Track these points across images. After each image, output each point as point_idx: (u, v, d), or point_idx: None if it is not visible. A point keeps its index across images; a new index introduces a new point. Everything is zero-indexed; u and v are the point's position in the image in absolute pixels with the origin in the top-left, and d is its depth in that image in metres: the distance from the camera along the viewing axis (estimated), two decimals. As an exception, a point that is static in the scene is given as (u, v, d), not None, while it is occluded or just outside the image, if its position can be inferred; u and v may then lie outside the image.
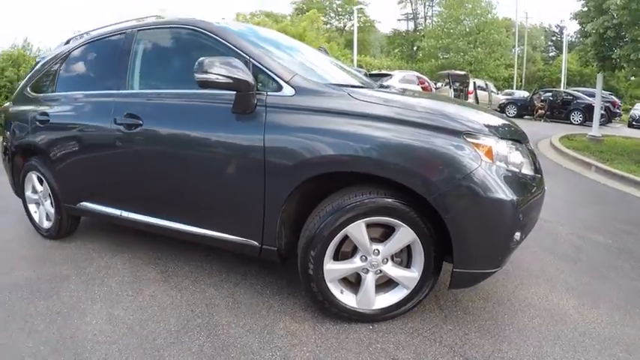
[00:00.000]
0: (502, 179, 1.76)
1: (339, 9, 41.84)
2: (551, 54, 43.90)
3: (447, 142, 1.74)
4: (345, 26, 42.84)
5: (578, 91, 18.19)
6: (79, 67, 3.13)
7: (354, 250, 1.96)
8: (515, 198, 1.76)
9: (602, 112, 13.42)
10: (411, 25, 42.34)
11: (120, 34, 2.81)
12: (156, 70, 2.71)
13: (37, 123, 3.05)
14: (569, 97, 16.77)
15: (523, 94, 23.02)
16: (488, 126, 1.88)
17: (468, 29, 29.41)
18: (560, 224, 3.64)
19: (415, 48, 40.07)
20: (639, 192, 5.11)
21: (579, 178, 6.05)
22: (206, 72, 1.90)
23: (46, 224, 3.24)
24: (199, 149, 2.21)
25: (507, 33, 32.02)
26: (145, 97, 2.51)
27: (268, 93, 2.04)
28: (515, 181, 1.81)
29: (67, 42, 3.35)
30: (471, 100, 15.12)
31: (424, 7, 40.54)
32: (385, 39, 44.31)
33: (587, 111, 14.80)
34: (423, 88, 12.88)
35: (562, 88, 23.01)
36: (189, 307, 2.20)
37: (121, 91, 2.62)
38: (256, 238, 2.11)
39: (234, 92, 2.01)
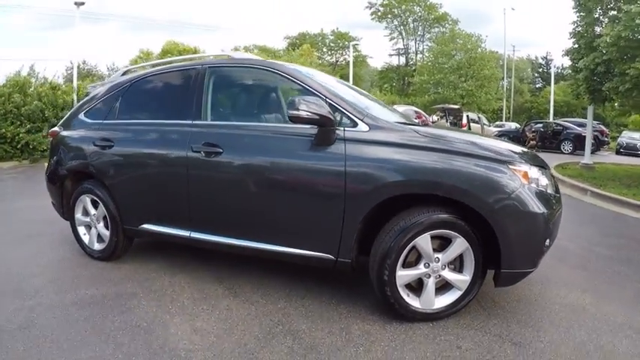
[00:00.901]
0: (535, 197, 2.32)
1: (332, 44, 43.67)
2: (537, 85, 45.79)
3: (497, 169, 2.30)
4: (337, 61, 44.59)
5: (568, 121, 19.27)
6: (144, 96, 3.37)
7: (418, 259, 2.44)
8: (545, 211, 2.33)
9: (592, 140, 14.28)
10: (403, 59, 44.17)
11: (188, 69, 3.16)
12: (229, 103, 3.14)
13: (97, 148, 3.25)
14: (559, 127, 17.77)
15: (513, 125, 24.09)
16: (522, 156, 2.47)
17: (458, 64, 30.88)
18: (568, 240, 4.21)
19: (407, 82, 41.66)
20: (632, 212, 5.75)
21: (577, 202, 6.69)
22: (297, 109, 2.32)
23: (98, 246, 3.42)
24: (280, 175, 2.61)
25: (495, 66, 33.57)
26: (225, 127, 2.87)
27: (345, 128, 2.47)
28: (544, 198, 2.37)
29: (124, 73, 3.64)
30: (466, 131, 15.92)
31: (415, 43, 42.53)
32: (377, 73, 46.02)
33: (577, 140, 15.73)
34: (421, 122, 13.66)
35: (550, 119, 24.16)
36: (267, 317, 2.51)
37: (197, 122, 2.91)
38: (332, 252, 2.51)
39: (316, 127, 2.43)
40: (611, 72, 7.96)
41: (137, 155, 3.17)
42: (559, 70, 36.20)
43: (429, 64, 34.37)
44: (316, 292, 2.86)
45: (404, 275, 2.41)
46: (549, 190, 2.48)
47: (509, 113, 36.48)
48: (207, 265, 3.30)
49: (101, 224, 3.38)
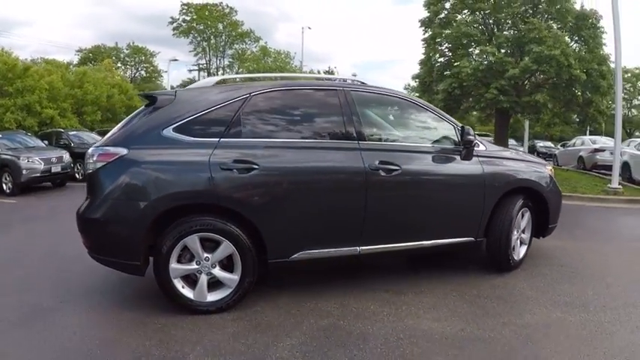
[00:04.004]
0: (556, 182, 4.41)
1: (127, 58, 41.59)
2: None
3: (544, 168, 4.31)
4: (134, 75, 42.66)
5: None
6: (273, 112, 3.39)
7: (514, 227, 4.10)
8: (560, 190, 4.44)
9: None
10: (204, 75, 45.02)
11: (326, 89, 3.60)
12: (378, 125, 3.81)
13: (230, 172, 3.03)
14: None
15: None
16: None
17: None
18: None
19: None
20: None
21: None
22: (470, 134, 3.59)
23: (213, 296, 3.09)
24: (444, 182, 3.69)
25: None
26: (393, 147, 3.60)
27: (475, 148, 3.75)
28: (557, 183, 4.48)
29: (219, 82, 3.56)
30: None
31: (217, 59, 44.09)
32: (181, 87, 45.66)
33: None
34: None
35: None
36: (478, 300, 3.38)
37: (364, 142, 3.39)
38: (474, 235, 3.84)
39: (463, 147, 3.65)
40: (469, 94, 11.43)
41: (296, 178, 3.22)
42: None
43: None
44: (451, 278, 3.89)
45: (513, 239, 4.07)
46: None
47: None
48: (326, 285, 3.66)
49: (217, 268, 3.11)
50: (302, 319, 3.06)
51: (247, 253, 3.08)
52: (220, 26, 41.02)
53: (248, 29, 41.94)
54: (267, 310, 3.21)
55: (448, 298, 3.47)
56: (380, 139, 3.73)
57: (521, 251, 4.22)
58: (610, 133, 19.39)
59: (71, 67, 29.21)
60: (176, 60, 30.28)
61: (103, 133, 15.84)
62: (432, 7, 12.41)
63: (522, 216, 4.14)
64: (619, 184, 9.34)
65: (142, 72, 44.00)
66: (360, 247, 3.40)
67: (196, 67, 44.68)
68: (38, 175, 10.24)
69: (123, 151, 3.03)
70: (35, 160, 10.24)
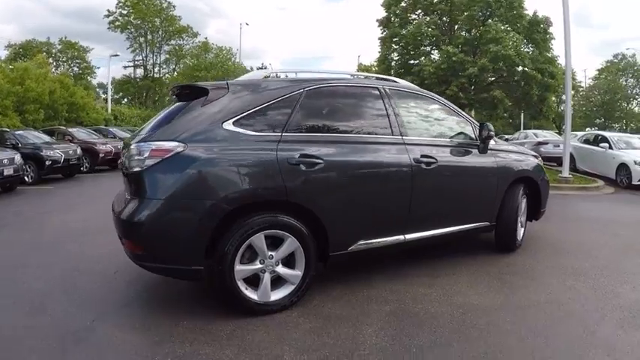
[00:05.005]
0: (545, 172, 5.05)
1: (59, 54, 39.03)
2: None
3: (536, 160, 4.94)
4: (67, 71, 40.12)
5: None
6: (324, 108, 3.46)
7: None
8: (548, 178, 5.09)
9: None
10: (140, 71, 43.22)
11: (369, 87, 3.77)
12: (413, 122, 3.95)
13: (297, 167, 3.02)
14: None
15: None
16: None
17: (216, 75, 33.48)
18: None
19: (149, 95, 41.50)
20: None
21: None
22: (491, 130, 4.10)
23: (276, 294, 3.06)
24: (471, 173, 4.16)
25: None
26: (431, 143, 3.87)
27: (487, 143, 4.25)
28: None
29: (267, 77, 3.57)
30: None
31: (153, 55, 42.33)
32: (116, 85, 43.44)
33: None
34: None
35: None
36: (493, 288, 3.68)
37: (407, 138, 3.67)
38: (490, 219, 4.36)
39: (480, 142, 4.13)
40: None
41: (356, 171, 3.36)
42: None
43: (181, 76, 35.57)
44: (470, 260, 4.33)
45: (521, 223, 4.67)
46: None
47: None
48: (359, 273, 3.85)
49: (280, 265, 3.08)
50: (366, 308, 3.21)
51: (311, 248, 3.13)
52: (157, 21, 39.55)
53: (186, 25, 40.79)
54: (327, 302, 3.28)
55: (478, 277, 3.92)
56: (417, 135, 3.89)
57: (521, 233, 4.78)
58: (539, 128, 21.26)
59: (4, 63, 27.05)
60: (117, 55, 28.71)
61: (48, 132, 15.23)
62: (392, 8, 13.04)
63: (524, 199, 4.71)
64: (568, 173, 10.43)
65: (75, 68, 41.43)
66: (405, 236, 3.67)
67: (132, 64, 42.88)
68: (-10, 178, 9.52)
69: (180, 146, 2.82)
70: (-14, 162, 9.52)
